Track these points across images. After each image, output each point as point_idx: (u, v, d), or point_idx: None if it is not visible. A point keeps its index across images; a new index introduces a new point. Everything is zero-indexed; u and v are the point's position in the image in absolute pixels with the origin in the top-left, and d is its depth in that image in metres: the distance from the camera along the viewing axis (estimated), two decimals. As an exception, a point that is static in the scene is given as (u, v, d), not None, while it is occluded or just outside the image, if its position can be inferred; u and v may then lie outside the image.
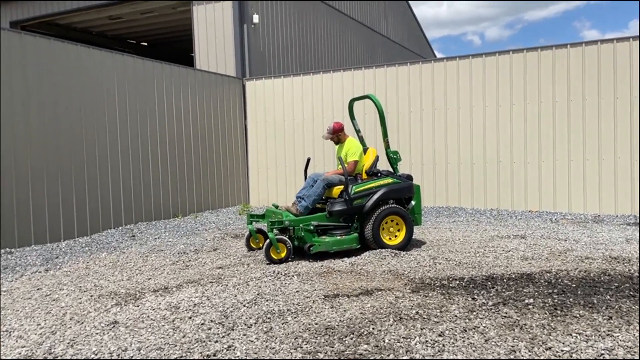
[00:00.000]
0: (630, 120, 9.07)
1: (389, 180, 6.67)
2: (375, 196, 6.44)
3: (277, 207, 6.71)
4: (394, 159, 7.06)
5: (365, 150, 7.06)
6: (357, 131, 7.40)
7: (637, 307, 4.06)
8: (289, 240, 6.13)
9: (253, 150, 12.65)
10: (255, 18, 13.29)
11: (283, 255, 6.06)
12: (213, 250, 7.02)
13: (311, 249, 6.08)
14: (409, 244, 6.65)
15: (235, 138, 12.40)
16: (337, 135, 6.94)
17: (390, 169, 7.11)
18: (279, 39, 14.55)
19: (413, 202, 6.88)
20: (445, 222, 8.98)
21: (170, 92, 10.47)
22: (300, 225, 6.18)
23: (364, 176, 6.75)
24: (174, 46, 20.89)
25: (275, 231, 6.23)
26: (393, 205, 6.55)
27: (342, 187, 6.48)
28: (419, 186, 7.02)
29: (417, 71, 10.84)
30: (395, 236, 6.56)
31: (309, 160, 7.54)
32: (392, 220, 6.52)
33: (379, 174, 6.80)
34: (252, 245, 6.80)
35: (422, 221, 7.32)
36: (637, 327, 3.63)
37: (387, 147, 7.06)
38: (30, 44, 7.90)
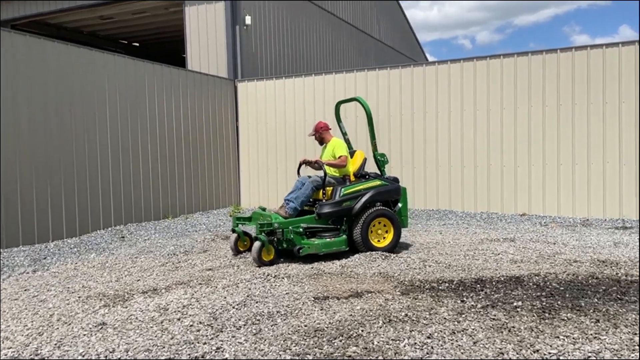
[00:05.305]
0: (619, 125, 9.16)
1: (378, 182, 6.69)
2: (364, 198, 6.44)
3: (263, 209, 6.66)
4: (381, 161, 7.07)
5: (352, 153, 7.05)
6: (344, 134, 7.37)
7: (624, 310, 4.09)
8: (274, 243, 6.14)
9: (244, 151, 12.64)
10: (248, 19, 13.28)
11: (272, 257, 6.05)
12: (203, 252, 7.00)
13: (301, 251, 6.03)
14: (396, 246, 6.67)
15: (227, 139, 12.37)
16: (320, 133, 6.92)
17: (376, 172, 7.13)
18: (271, 40, 14.55)
19: (400, 205, 6.90)
20: (436, 225, 9.02)
21: (161, 93, 10.43)
22: (290, 227, 6.12)
23: (352, 178, 6.76)
24: (166, 47, 20.82)
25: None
26: (381, 208, 6.56)
27: (330, 188, 6.49)
28: (405, 188, 7.05)
29: (409, 74, 10.88)
30: (384, 238, 6.57)
31: (300, 163, 7.21)
32: (379, 223, 6.53)
33: (367, 176, 6.82)
34: (240, 248, 6.70)
35: (408, 223, 7.34)
36: (632, 330, 3.66)
37: (374, 149, 7.08)
38: (20, 43, 7.84)
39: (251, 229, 6.92)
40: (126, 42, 20.54)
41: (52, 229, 8.19)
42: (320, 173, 6.73)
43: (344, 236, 6.34)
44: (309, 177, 6.66)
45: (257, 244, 5.98)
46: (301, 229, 6.11)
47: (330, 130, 7.04)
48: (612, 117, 9.21)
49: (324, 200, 6.43)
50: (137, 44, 20.89)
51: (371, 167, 7.29)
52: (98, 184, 9.03)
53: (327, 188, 6.50)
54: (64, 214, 8.38)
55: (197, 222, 10.03)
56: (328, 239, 6.22)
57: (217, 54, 13.28)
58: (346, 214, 6.42)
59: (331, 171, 6.68)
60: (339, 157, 6.65)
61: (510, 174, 10.05)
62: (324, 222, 6.38)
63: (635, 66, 9.01)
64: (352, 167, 6.86)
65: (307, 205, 6.59)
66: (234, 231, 6.69)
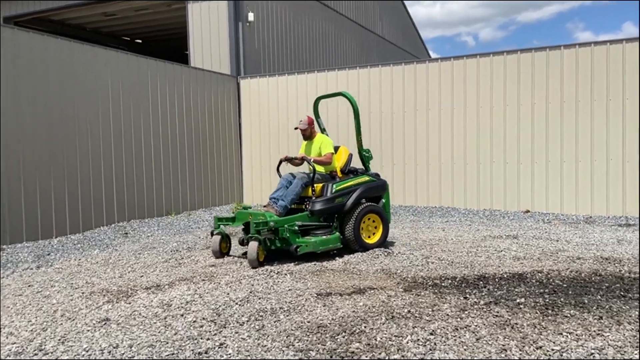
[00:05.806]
0: (623, 122, 9.13)
1: (367, 178, 6.72)
2: (355, 194, 6.43)
3: (246, 208, 6.52)
4: (366, 157, 7.08)
5: (336, 149, 7.00)
6: (322, 130, 7.33)
7: (627, 307, 4.09)
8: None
9: (247, 148, 12.64)
10: (251, 16, 13.27)
11: (262, 258, 5.89)
12: (206, 248, 7.00)
13: (298, 250, 5.83)
14: (385, 241, 6.69)
15: (230, 136, 12.37)
16: (311, 127, 6.88)
17: (356, 168, 7.11)
18: (274, 37, 14.53)
19: (383, 200, 6.90)
20: (439, 222, 9.01)
21: (164, 90, 10.43)
22: (285, 225, 5.92)
23: (339, 174, 6.76)
24: (169, 44, 20.83)
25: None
26: (371, 204, 6.56)
27: (319, 185, 6.40)
28: (388, 184, 7.09)
29: (412, 71, 10.86)
30: (374, 234, 6.59)
31: (281, 161, 6.94)
32: (369, 219, 6.53)
33: (356, 172, 6.81)
34: (223, 250, 6.42)
35: (391, 218, 7.37)
36: (635, 327, 3.66)
37: (360, 146, 7.05)
38: (23, 40, 7.85)
39: (232, 230, 6.74)
40: (129, 39, 20.55)
41: (55, 225, 8.21)
42: (301, 169, 6.63)
43: (338, 233, 6.29)
44: (292, 174, 6.56)
45: (254, 244, 5.76)
46: (296, 227, 5.97)
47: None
48: (616, 114, 9.18)
49: (314, 197, 6.35)
50: (140, 41, 20.90)
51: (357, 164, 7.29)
52: (101, 181, 9.05)
53: (316, 185, 6.43)
54: (67, 210, 8.40)
55: (199, 218, 10.04)
56: (324, 237, 6.13)
57: (220, 51, 13.27)
58: (338, 210, 6.37)
59: (317, 168, 6.64)
60: (325, 155, 6.64)
61: (513, 171, 10.03)
62: (316, 219, 6.31)
63: (639, 63, 8.97)
64: (338, 163, 6.85)
65: (294, 203, 6.43)
66: (213, 233, 6.39)
